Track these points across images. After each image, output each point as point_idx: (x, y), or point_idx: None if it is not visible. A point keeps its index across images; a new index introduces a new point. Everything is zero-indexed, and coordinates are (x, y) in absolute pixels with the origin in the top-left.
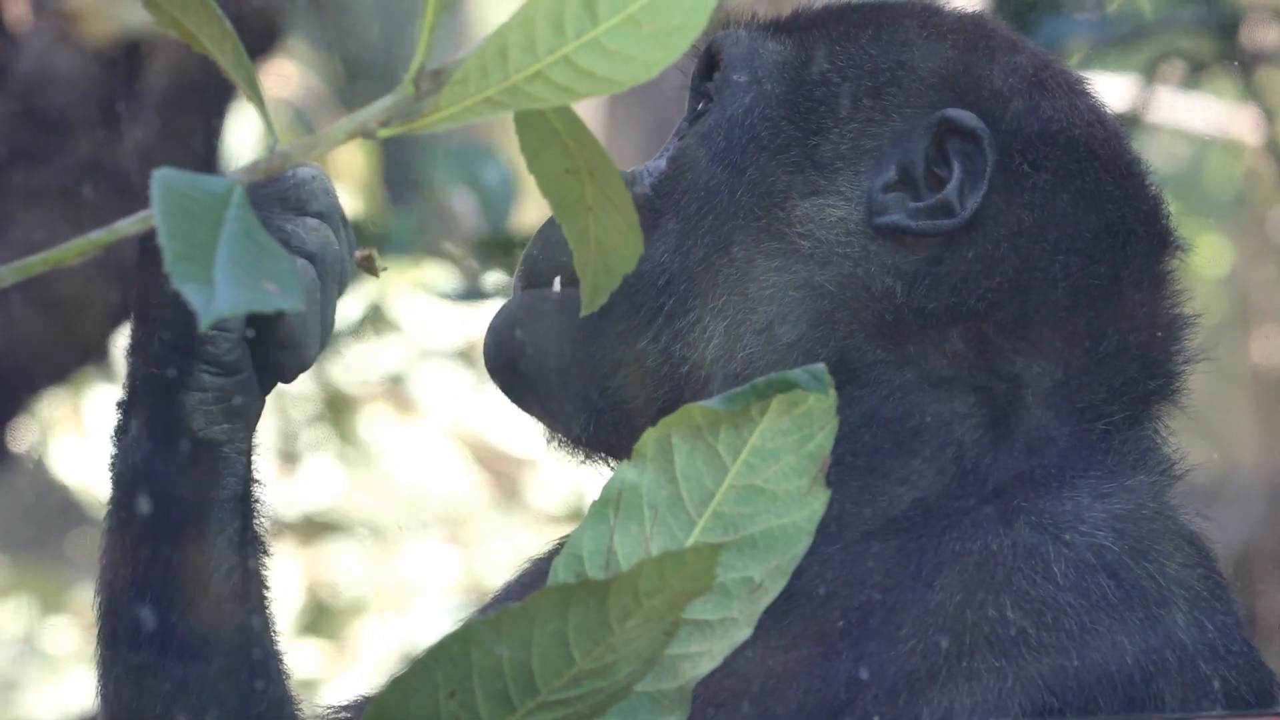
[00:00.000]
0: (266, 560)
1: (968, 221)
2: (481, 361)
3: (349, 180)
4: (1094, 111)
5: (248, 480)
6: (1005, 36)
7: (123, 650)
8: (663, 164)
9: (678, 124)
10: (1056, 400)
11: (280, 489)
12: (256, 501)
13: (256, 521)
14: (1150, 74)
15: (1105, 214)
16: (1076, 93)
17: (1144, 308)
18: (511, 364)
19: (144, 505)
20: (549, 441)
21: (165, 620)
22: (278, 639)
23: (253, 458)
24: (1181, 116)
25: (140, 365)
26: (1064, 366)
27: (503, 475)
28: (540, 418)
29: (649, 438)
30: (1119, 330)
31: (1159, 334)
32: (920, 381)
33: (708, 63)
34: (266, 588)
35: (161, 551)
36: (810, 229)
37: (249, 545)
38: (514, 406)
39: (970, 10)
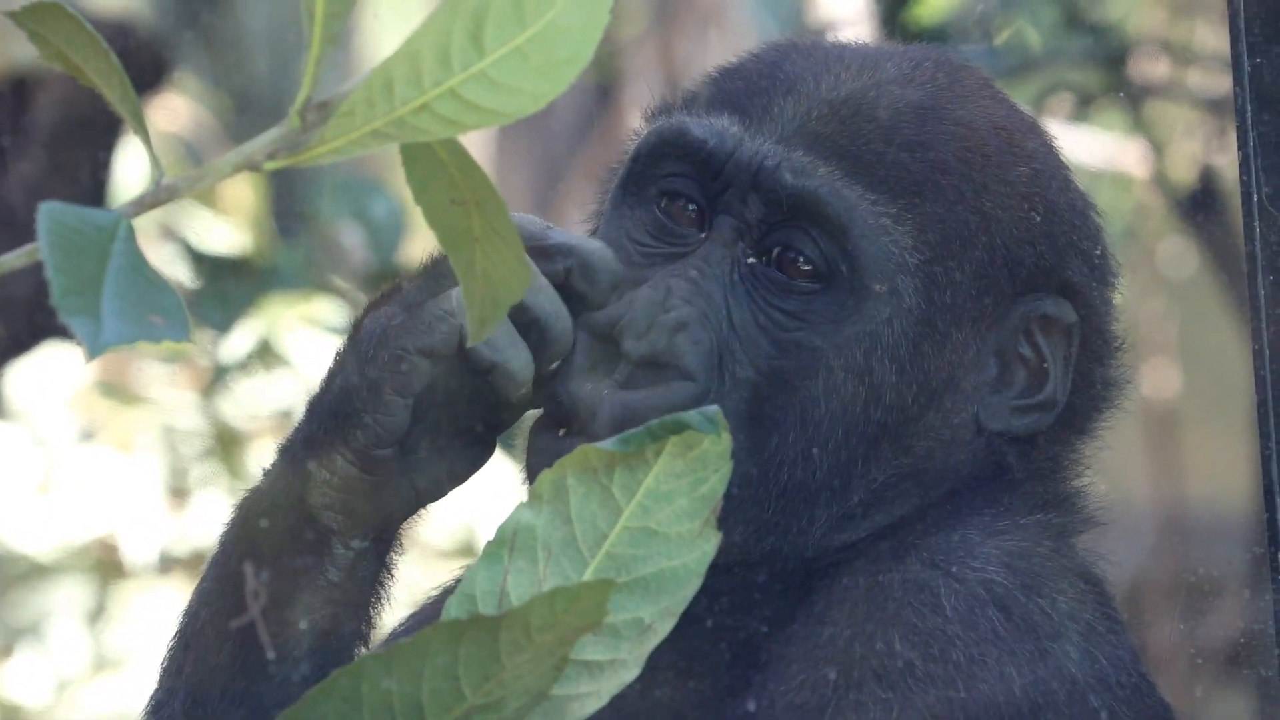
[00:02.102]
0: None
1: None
2: None
3: (237, 214)
4: (1102, 232)
5: (351, 575)
6: (1063, 172)
7: None
8: (764, 343)
9: (712, 230)
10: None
11: (170, 524)
12: (358, 598)
13: (348, 619)
14: (1039, 107)
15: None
16: (1092, 210)
17: (1107, 388)
18: None
19: (242, 543)
20: None
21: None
22: None
23: (362, 553)
24: (1070, 149)
25: (308, 412)
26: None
27: None
28: None
29: (545, 479)
30: (1089, 418)
31: (1107, 404)
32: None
33: (792, 206)
34: None
35: (233, 596)
36: (930, 430)
37: (335, 636)
38: None
39: (1023, 128)
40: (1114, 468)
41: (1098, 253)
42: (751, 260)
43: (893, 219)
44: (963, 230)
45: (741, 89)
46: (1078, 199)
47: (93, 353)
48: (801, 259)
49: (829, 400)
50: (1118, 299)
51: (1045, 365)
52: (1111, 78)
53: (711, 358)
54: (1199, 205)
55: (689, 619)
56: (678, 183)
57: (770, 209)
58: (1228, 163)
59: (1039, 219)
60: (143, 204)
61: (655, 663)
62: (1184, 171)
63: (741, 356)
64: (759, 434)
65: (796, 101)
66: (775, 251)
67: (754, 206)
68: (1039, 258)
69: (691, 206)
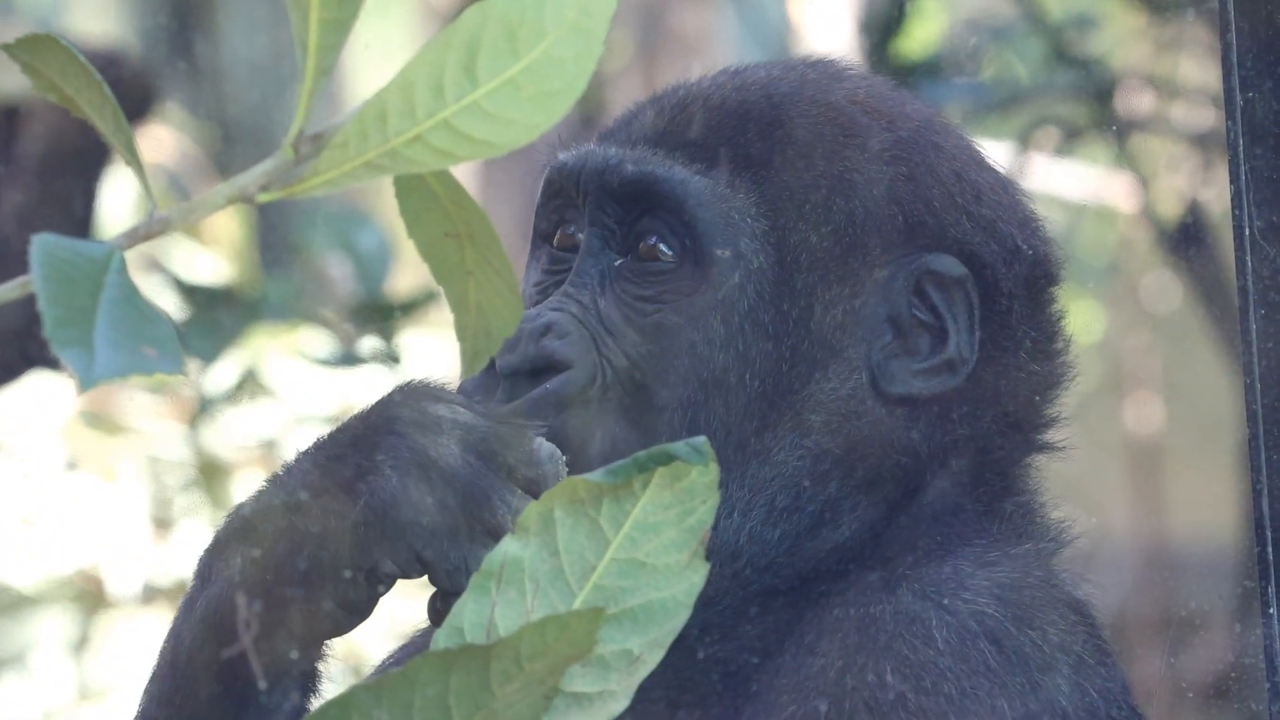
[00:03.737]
0: None
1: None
2: None
3: (222, 245)
4: (1022, 208)
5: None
6: (940, 141)
7: None
8: (630, 332)
9: (582, 244)
10: (955, 472)
11: (154, 554)
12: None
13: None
14: (1025, 140)
15: (1043, 305)
16: (1007, 189)
17: (1032, 371)
18: None
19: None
20: None
21: None
22: None
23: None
24: (1056, 183)
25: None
26: (969, 443)
27: None
28: None
29: (532, 511)
30: (1013, 401)
31: (1042, 397)
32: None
33: (633, 195)
34: None
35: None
36: (823, 403)
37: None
38: None
39: (894, 107)
40: (1097, 502)
41: (1000, 221)
42: (619, 262)
43: (731, 188)
44: (813, 195)
45: (620, 116)
46: (972, 170)
47: (86, 385)
48: (657, 244)
49: (699, 374)
50: (1062, 298)
51: (945, 326)
52: (1098, 111)
53: (586, 344)
54: (1186, 239)
55: (678, 649)
56: (563, 213)
57: (624, 207)
58: (1214, 196)
59: (905, 181)
60: (136, 236)
61: (645, 694)
62: (1170, 205)
63: (615, 349)
64: (646, 423)
65: (654, 110)
66: (637, 245)
67: (610, 210)
68: (910, 217)
69: (579, 235)
